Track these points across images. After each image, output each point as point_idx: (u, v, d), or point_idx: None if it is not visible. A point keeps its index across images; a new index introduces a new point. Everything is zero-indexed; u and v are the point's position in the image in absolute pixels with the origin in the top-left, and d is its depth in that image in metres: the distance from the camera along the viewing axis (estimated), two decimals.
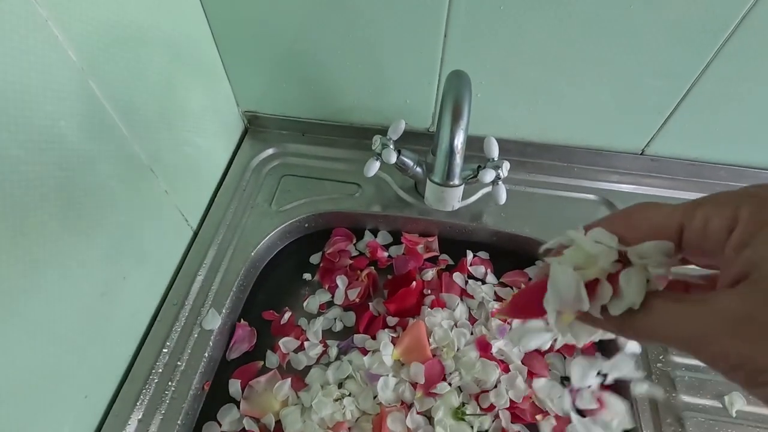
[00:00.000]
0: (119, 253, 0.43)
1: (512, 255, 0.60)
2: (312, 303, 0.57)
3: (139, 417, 0.44)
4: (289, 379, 0.50)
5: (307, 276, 0.59)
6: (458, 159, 0.32)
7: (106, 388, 0.44)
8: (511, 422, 0.47)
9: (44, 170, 0.33)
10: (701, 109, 0.54)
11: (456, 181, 0.32)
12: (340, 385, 0.50)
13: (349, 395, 0.49)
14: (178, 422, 0.44)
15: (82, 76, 0.35)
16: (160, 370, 0.47)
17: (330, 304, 0.57)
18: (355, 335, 0.53)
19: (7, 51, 0.29)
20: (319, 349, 0.53)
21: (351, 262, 0.59)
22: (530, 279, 0.58)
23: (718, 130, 0.56)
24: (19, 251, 0.31)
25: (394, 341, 0.51)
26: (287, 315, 0.55)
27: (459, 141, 0.32)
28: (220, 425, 0.47)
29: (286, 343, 0.53)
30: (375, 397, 0.48)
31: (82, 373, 0.40)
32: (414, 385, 0.49)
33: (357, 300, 0.56)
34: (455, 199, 0.32)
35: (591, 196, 0.61)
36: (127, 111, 0.41)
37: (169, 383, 0.46)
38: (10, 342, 0.32)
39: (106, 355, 0.43)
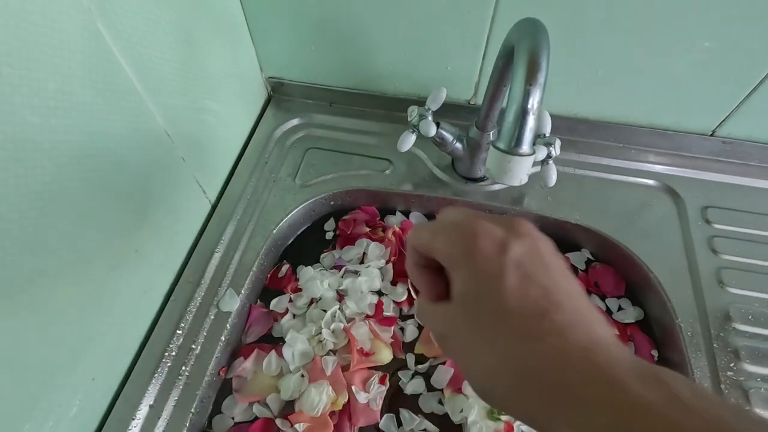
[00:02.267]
0: (131, 223, 0.39)
1: (557, 241, 0.54)
2: (327, 260, 0.54)
3: (151, 402, 0.40)
4: (273, 351, 0.46)
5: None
6: (531, 122, 0.26)
7: (116, 370, 0.40)
8: None
9: (53, 132, 0.29)
10: None
11: (526, 149, 0.26)
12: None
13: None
14: (192, 410, 0.40)
15: (89, 17, 0.31)
16: (174, 353, 0.43)
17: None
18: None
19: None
20: (306, 299, 0.50)
21: (368, 229, 0.55)
22: (572, 266, 0.53)
23: None
24: (24, 220, 0.27)
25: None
26: (285, 268, 0.52)
27: (535, 100, 0.26)
28: (233, 418, 0.44)
29: (277, 303, 0.50)
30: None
31: (89, 354, 0.36)
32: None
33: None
34: (524, 171, 0.27)
35: (650, 182, 0.55)
36: (140, 64, 0.36)
37: (183, 367, 0.42)
38: (11, 318, 0.28)
39: (115, 335, 0.39)
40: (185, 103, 0.44)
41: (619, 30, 0.46)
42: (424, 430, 0.43)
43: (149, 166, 0.40)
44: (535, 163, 0.47)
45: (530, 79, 0.25)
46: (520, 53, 0.26)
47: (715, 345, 0.44)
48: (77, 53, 0.30)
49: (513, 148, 0.26)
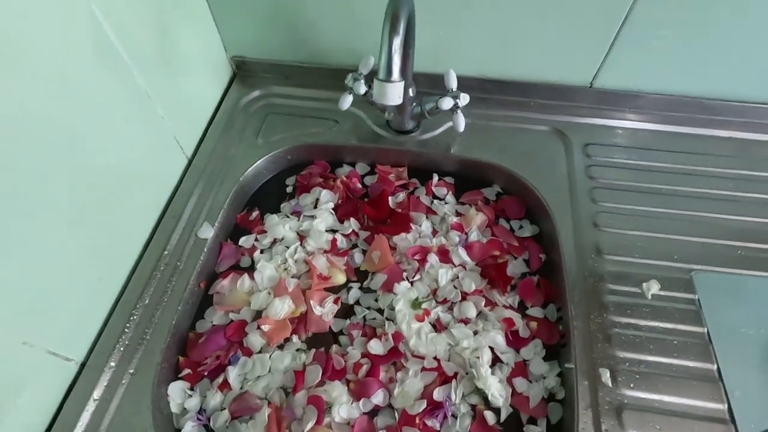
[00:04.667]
0: (123, 163, 0.50)
1: (474, 180, 0.67)
2: (287, 208, 0.65)
3: (145, 303, 0.52)
4: (245, 274, 0.57)
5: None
6: (396, 58, 0.39)
7: (117, 276, 0.52)
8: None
9: (55, 89, 0.40)
10: (635, 43, 0.60)
11: (395, 77, 0.39)
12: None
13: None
14: (179, 308, 0.52)
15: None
16: (162, 268, 0.55)
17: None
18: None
19: None
20: (270, 239, 0.61)
21: (321, 180, 0.66)
22: (485, 198, 0.65)
23: (653, 63, 0.63)
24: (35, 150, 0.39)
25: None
26: (255, 213, 0.64)
27: (396, 44, 0.39)
28: (212, 322, 0.56)
29: (245, 241, 0.61)
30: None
31: (96, 258, 0.48)
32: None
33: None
34: (397, 93, 0.39)
35: (545, 128, 0.68)
36: (125, 38, 0.48)
37: (171, 277, 0.54)
38: (41, 223, 0.40)
39: (116, 248, 0.51)
40: (164, 75, 0.56)
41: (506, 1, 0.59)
42: (373, 318, 0.55)
43: (136, 121, 0.52)
44: (446, 113, 0.60)
45: (392, 30, 0.38)
46: (387, 14, 0.38)
47: (583, 243, 0.57)
48: (76, 28, 0.42)
49: (386, 78, 0.38)
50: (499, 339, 0.52)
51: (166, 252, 0.56)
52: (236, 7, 0.65)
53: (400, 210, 0.64)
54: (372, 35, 0.66)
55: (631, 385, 0.47)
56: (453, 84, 0.59)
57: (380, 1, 0.61)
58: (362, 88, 0.60)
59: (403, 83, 0.40)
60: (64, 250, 0.43)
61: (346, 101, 0.62)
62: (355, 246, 0.62)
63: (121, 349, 0.49)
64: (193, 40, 0.63)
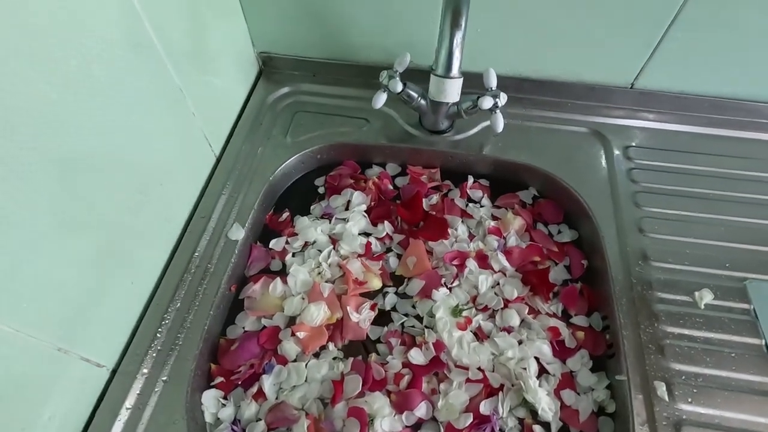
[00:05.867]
0: (155, 160, 0.48)
1: (509, 183, 0.65)
2: (317, 210, 0.63)
3: (177, 307, 0.50)
4: (278, 278, 0.55)
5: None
6: (457, 53, 0.37)
7: (148, 279, 0.50)
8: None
9: (94, 82, 0.38)
10: (681, 44, 0.58)
11: (455, 73, 0.37)
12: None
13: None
14: (210, 312, 0.50)
15: None
16: (193, 271, 0.53)
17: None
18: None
19: None
20: (302, 241, 0.59)
21: (352, 181, 0.64)
22: (522, 201, 0.63)
23: (699, 65, 0.61)
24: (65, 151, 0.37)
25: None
26: (285, 214, 0.61)
27: (458, 39, 0.37)
28: (244, 328, 0.53)
29: (276, 243, 0.59)
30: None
31: (128, 262, 0.46)
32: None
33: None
34: (456, 90, 0.37)
35: (584, 129, 0.66)
36: (162, 33, 0.46)
37: (202, 281, 0.52)
38: (74, 225, 0.38)
39: (147, 251, 0.49)
40: (195, 69, 0.54)
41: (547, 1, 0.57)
42: (412, 326, 0.53)
43: (168, 116, 0.50)
44: (484, 113, 0.58)
45: (454, 23, 0.35)
46: (447, 8, 0.36)
47: (628, 250, 0.55)
48: (118, 24, 0.39)
49: (446, 74, 0.36)
50: (545, 349, 0.50)
51: (196, 254, 0.54)
52: (266, 1, 0.63)
53: (434, 213, 0.61)
54: (405, 31, 0.65)
55: (689, 400, 0.44)
56: (493, 83, 0.57)
57: None
58: (398, 86, 0.58)
59: (462, 79, 0.38)
60: (96, 252, 0.41)
61: (380, 99, 0.60)
62: (389, 250, 0.60)
63: (154, 354, 0.47)
64: (223, 35, 0.61)
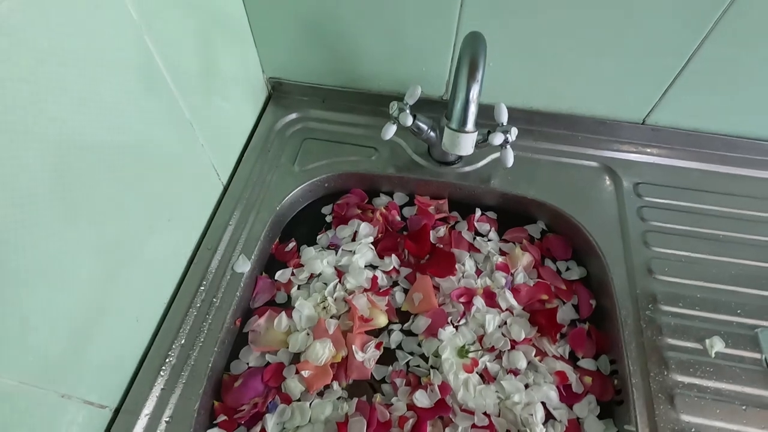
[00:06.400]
0: (164, 197, 0.48)
1: (517, 216, 0.65)
2: (323, 240, 0.62)
3: (182, 343, 0.49)
4: (283, 312, 0.54)
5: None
6: (473, 108, 0.36)
7: (153, 316, 0.50)
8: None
9: (104, 122, 0.38)
10: (697, 82, 0.58)
11: (470, 128, 0.36)
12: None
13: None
14: (215, 349, 0.50)
15: (139, 32, 0.40)
16: (198, 305, 0.52)
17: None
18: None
19: (79, 15, 0.33)
20: (307, 273, 0.59)
21: (359, 211, 0.64)
22: (530, 236, 0.63)
23: (713, 103, 0.60)
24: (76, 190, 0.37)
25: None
26: (292, 244, 0.61)
27: (474, 93, 0.36)
28: (248, 363, 0.53)
29: (281, 275, 0.59)
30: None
31: (133, 300, 0.45)
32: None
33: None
34: (470, 144, 0.36)
35: (593, 164, 0.65)
36: (174, 69, 0.45)
37: (207, 316, 0.51)
38: (81, 263, 0.37)
39: (152, 287, 0.49)
40: (204, 99, 0.53)
41: (556, 31, 0.56)
42: (417, 365, 0.53)
43: (178, 150, 0.49)
44: (494, 148, 0.57)
45: (471, 77, 0.35)
46: (463, 58, 0.36)
47: (638, 292, 0.54)
48: (129, 60, 0.39)
49: (461, 128, 0.36)
50: (552, 394, 0.49)
51: (201, 288, 0.53)
52: (277, 27, 0.63)
53: (441, 246, 0.61)
54: (416, 61, 0.64)
55: None
56: (504, 118, 0.57)
57: (427, 29, 0.59)
58: (408, 120, 0.57)
59: (476, 133, 0.37)
60: (104, 291, 0.41)
61: (390, 131, 0.59)
62: (395, 284, 0.60)
63: (157, 394, 0.46)
64: (234, 61, 0.61)
